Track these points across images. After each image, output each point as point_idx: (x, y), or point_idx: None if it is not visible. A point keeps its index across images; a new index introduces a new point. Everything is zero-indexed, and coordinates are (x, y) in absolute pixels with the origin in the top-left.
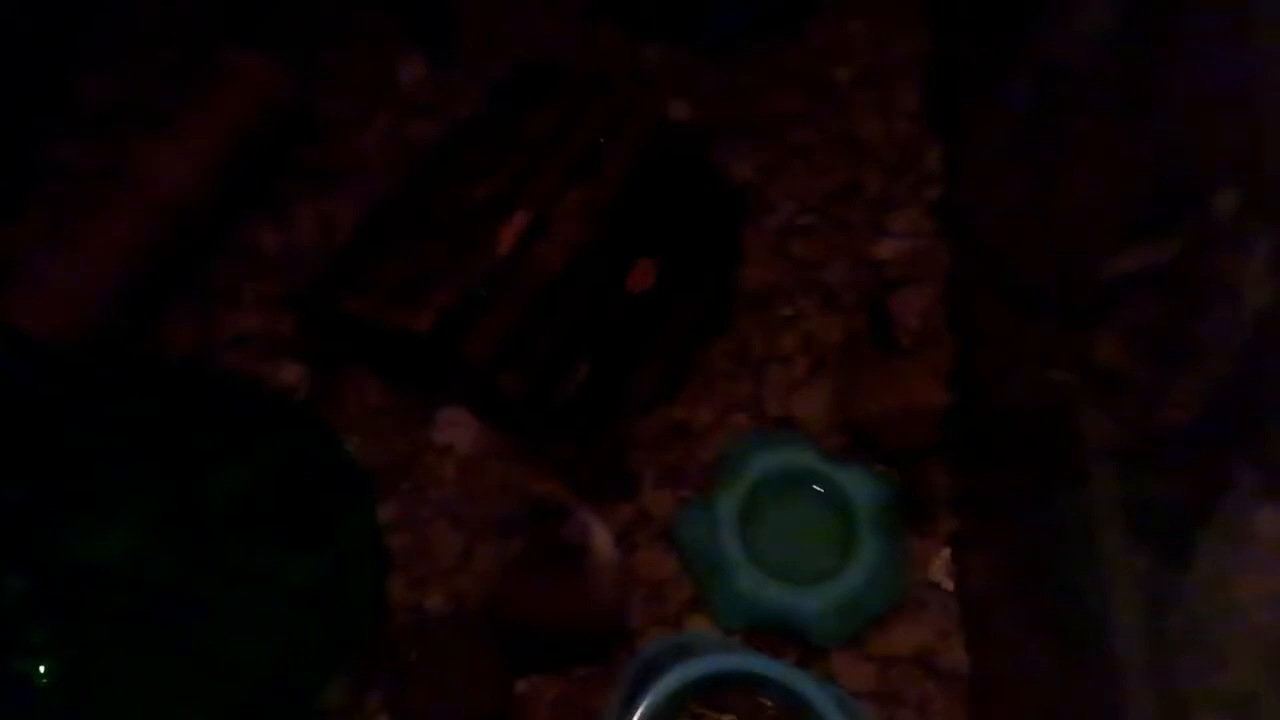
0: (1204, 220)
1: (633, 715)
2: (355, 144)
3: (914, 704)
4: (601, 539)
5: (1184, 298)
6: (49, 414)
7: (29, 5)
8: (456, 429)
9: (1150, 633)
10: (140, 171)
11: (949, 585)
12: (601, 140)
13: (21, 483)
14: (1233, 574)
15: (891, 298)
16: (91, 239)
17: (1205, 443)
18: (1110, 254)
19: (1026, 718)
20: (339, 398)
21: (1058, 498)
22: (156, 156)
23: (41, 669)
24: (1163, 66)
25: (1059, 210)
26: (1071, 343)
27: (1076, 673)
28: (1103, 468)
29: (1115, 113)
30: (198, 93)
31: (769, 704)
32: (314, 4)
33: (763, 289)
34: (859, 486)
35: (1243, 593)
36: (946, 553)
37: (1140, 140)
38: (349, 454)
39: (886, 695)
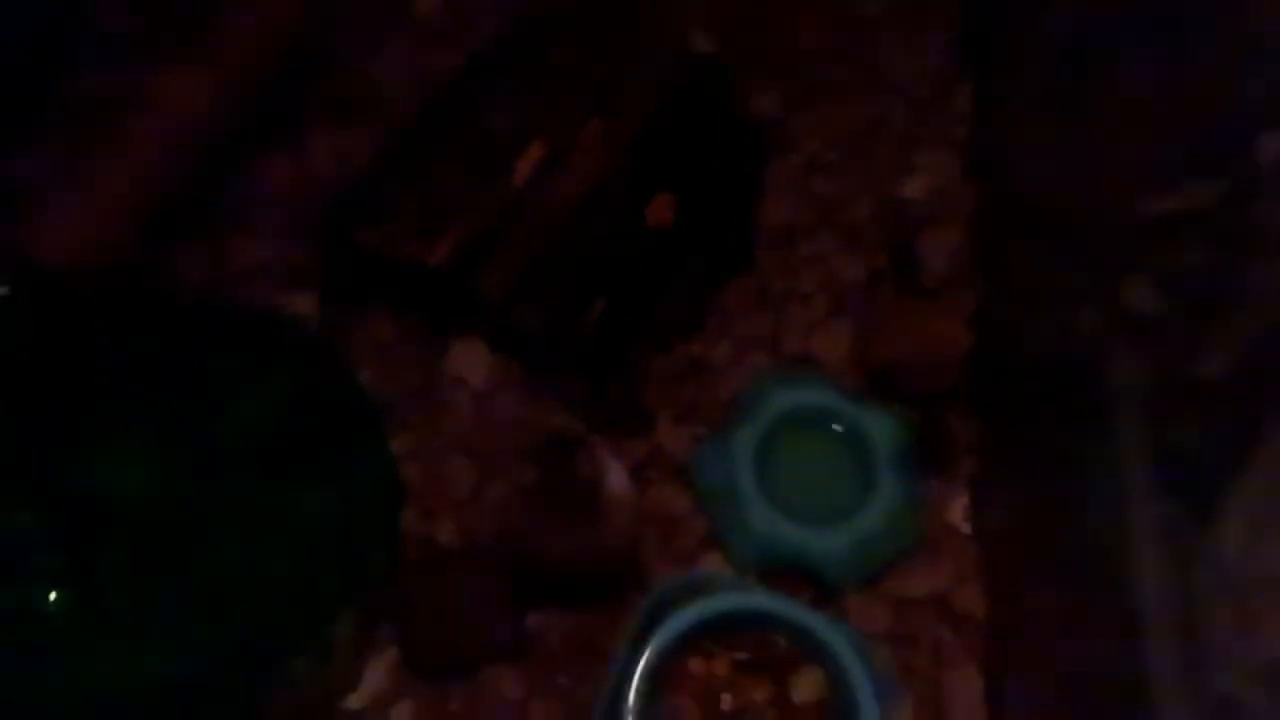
0: (1248, 165)
1: (645, 651)
2: (371, 74)
3: (928, 647)
4: (616, 476)
5: (1225, 244)
6: (61, 345)
7: None
8: (470, 362)
9: (1176, 587)
10: (156, 101)
11: (967, 529)
12: (622, 71)
13: (32, 413)
14: (1267, 530)
15: (919, 238)
16: (107, 170)
17: (1241, 393)
18: (1146, 198)
19: (1042, 665)
20: (352, 330)
21: (1083, 444)
22: (172, 86)
23: (52, 596)
24: (1210, 2)
25: (1094, 151)
26: (1102, 287)
27: (1096, 622)
28: (1131, 415)
29: (1159, 51)
30: (213, 22)
31: (782, 643)
32: None
33: (784, 226)
34: (878, 427)
35: (1277, 553)
36: (966, 496)
37: (1184, 81)
38: (361, 386)
39: (901, 637)
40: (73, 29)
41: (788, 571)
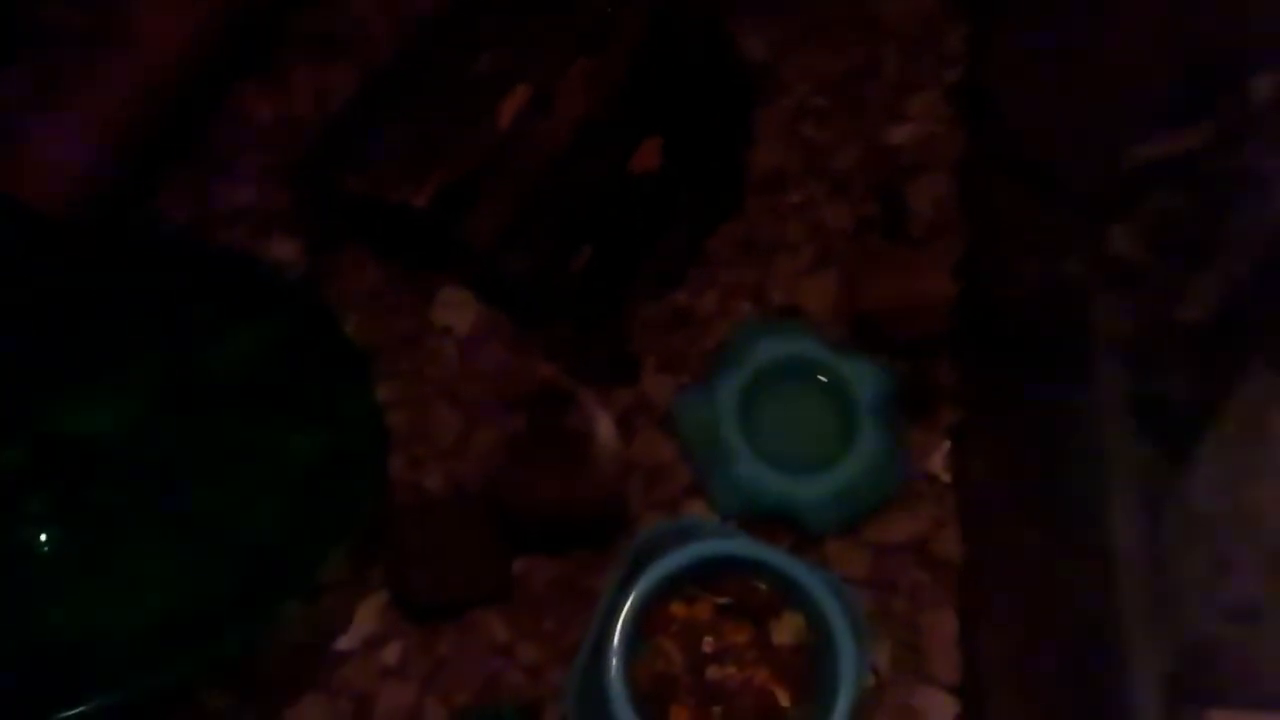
0: (1238, 107)
1: (630, 595)
2: (354, 10)
3: (906, 591)
4: (604, 425)
5: (1211, 188)
6: (43, 284)
7: None
8: (457, 309)
9: (1150, 530)
10: (133, 33)
11: (947, 477)
12: (609, 10)
13: (16, 353)
14: (1241, 477)
15: (907, 186)
16: (83, 103)
17: (1222, 340)
18: (1136, 141)
19: (1017, 608)
20: (337, 276)
21: (1064, 390)
22: (150, 18)
23: (43, 536)
24: None
25: (1085, 95)
26: (1088, 233)
27: (1070, 566)
28: (1112, 361)
29: None
30: None
31: (763, 588)
32: None
33: (771, 173)
34: (861, 377)
35: (1251, 496)
36: (946, 445)
37: (1175, 20)
38: (346, 334)
39: (879, 582)
40: None
41: (770, 518)
